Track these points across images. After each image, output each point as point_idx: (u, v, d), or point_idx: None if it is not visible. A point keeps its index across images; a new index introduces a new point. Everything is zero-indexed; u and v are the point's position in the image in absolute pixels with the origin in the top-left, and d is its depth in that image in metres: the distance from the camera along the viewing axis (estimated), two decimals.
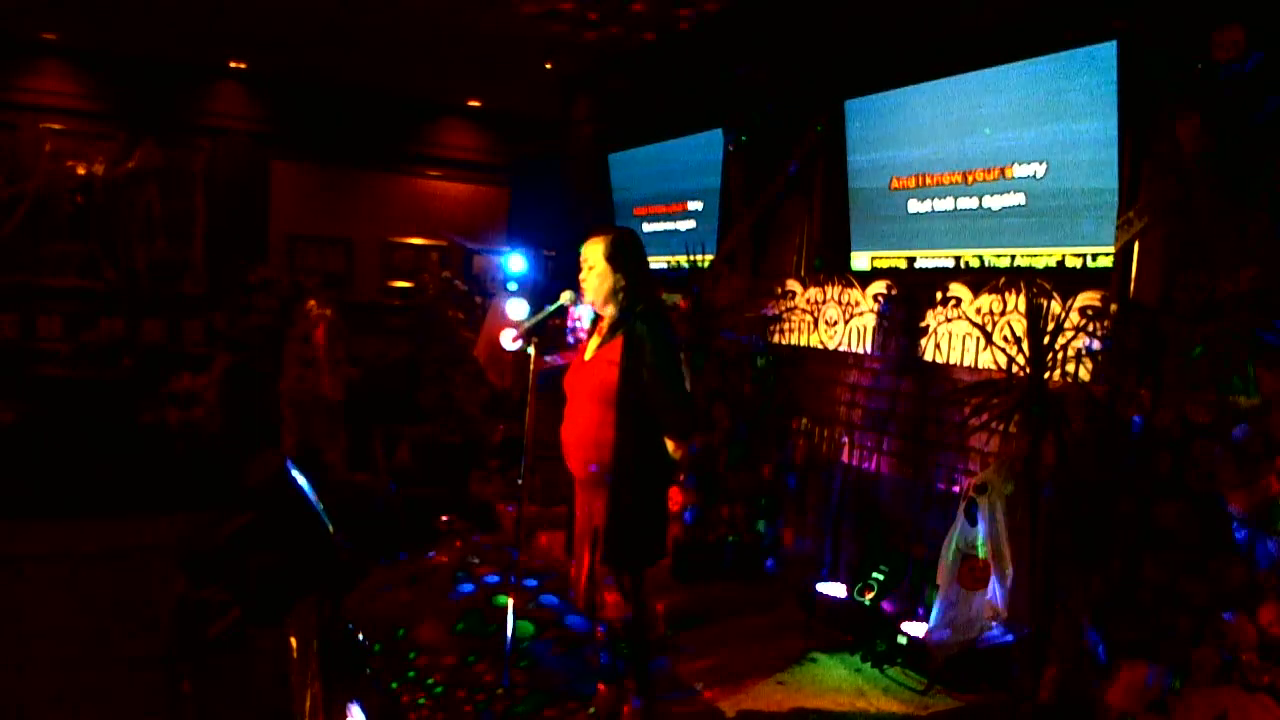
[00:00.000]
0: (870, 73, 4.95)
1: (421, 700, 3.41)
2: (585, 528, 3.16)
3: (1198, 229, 3.30)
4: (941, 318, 4.33)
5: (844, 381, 4.95)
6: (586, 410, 3.08)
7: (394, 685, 3.52)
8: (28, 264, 8.14)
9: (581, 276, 3.17)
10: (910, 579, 4.14)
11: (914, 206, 4.73)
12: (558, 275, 7.89)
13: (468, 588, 4.51)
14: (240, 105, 9.00)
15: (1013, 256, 4.25)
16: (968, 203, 4.44)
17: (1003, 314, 4.01)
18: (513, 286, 6.76)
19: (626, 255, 3.12)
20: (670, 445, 3.05)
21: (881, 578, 4.17)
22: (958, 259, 4.54)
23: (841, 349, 4.95)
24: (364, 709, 2.70)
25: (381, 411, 7.05)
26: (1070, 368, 3.40)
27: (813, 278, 5.30)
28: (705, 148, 6.34)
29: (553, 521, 5.50)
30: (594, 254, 3.13)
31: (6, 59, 8.03)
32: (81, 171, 8.30)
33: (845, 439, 4.86)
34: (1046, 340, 3.32)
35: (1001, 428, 3.36)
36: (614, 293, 3.11)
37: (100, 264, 8.42)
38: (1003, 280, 4.08)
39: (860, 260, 5.13)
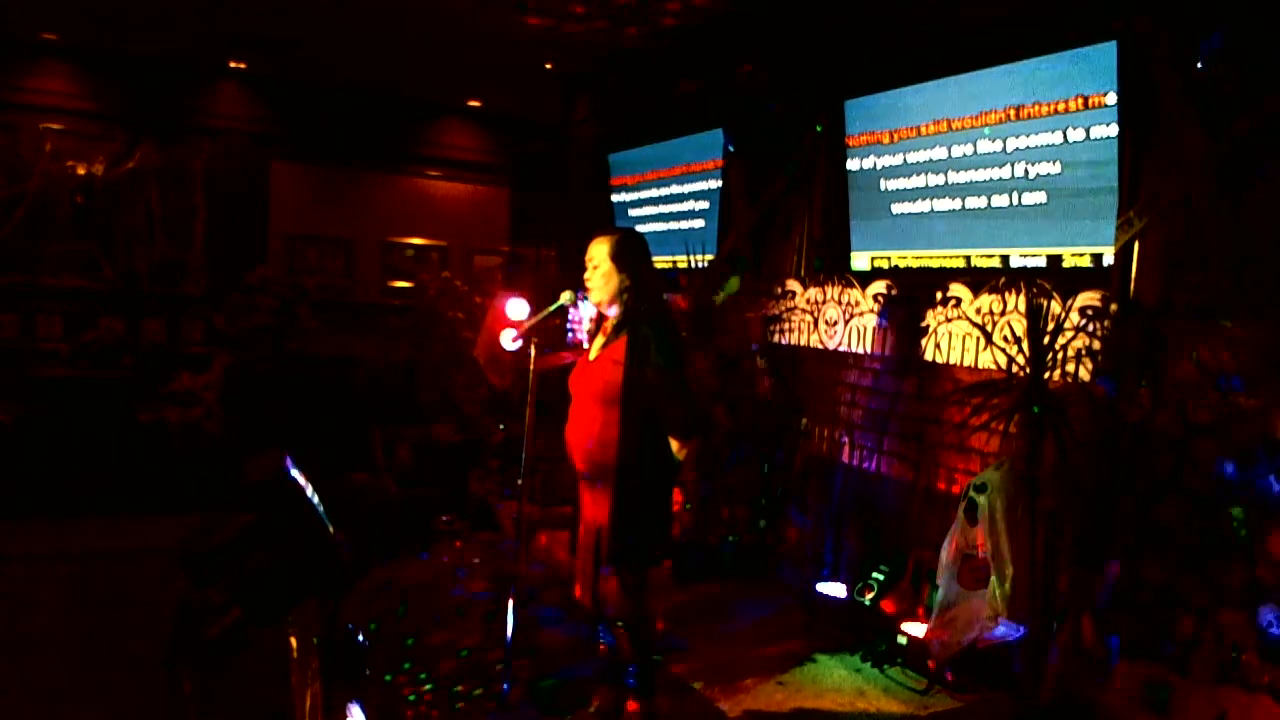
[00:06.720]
0: (870, 73, 4.95)
1: (419, 699, 3.41)
2: (589, 527, 3.16)
3: (1198, 229, 3.30)
4: (941, 318, 4.33)
5: (844, 381, 4.95)
6: (591, 410, 3.08)
7: (389, 679, 3.52)
8: (28, 264, 8.13)
9: (586, 276, 3.17)
10: (910, 579, 4.14)
11: (914, 206, 4.73)
12: (557, 275, 7.90)
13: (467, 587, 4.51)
14: (240, 105, 8.99)
15: (1012, 256, 4.25)
16: (969, 202, 4.44)
17: (1003, 314, 4.00)
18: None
19: (632, 255, 3.12)
20: (674, 445, 3.05)
21: (881, 578, 4.17)
22: (959, 258, 4.54)
23: (841, 349, 4.95)
24: (364, 709, 2.69)
25: (381, 411, 7.04)
26: (1070, 368, 3.40)
27: (813, 278, 5.30)
28: (705, 148, 6.34)
29: (553, 521, 5.50)
30: (599, 254, 3.13)
31: (6, 59, 8.02)
32: (81, 171, 8.30)
33: (845, 439, 4.86)
34: (1046, 340, 3.33)
35: (1001, 428, 3.36)
36: (619, 293, 3.11)
37: (100, 264, 8.41)
38: (1003, 280, 4.08)
39: (860, 260, 5.13)
